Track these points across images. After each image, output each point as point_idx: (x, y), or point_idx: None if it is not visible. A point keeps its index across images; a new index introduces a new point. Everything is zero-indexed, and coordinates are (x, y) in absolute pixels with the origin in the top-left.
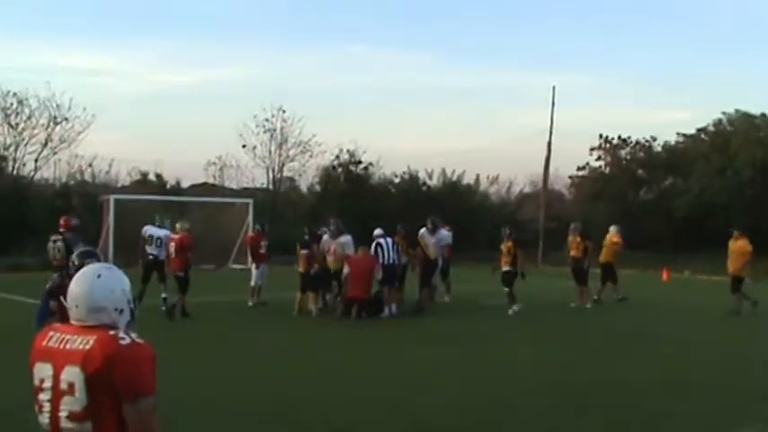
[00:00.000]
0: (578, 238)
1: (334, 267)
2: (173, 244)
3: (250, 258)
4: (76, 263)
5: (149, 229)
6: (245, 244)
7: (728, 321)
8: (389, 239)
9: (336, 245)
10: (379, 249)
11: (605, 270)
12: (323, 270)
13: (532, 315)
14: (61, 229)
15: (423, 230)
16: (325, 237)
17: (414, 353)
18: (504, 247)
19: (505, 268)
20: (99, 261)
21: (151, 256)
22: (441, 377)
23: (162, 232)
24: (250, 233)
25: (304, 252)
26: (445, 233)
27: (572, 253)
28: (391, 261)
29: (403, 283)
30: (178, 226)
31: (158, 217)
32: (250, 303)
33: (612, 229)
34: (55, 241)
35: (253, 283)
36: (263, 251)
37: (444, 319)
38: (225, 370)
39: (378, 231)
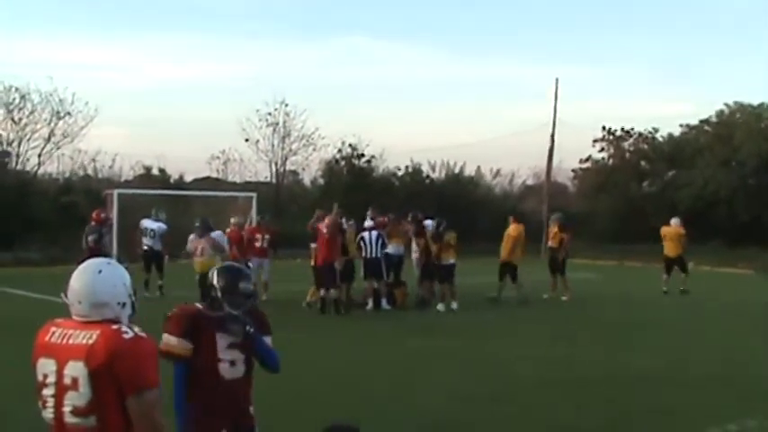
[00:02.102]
0: (556, 229)
1: (201, 269)
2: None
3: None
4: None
5: (145, 222)
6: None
7: (731, 314)
8: (374, 233)
9: (205, 243)
10: (362, 243)
11: (677, 262)
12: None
13: (534, 308)
14: (92, 222)
15: (429, 222)
16: (192, 236)
17: (413, 346)
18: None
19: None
20: None
21: (146, 248)
22: (445, 369)
23: (156, 225)
24: (248, 226)
25: (314, 246)
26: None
27: (549, 243)
28: (373, 255)
29: (399, 274)
30: (232, 221)
31: (154, 210)
32: (264, 297)
33: (674, 221)
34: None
35: (266, 276)
36: (258, 244)
37: (445, 311)
38: None
39: (368, 223)
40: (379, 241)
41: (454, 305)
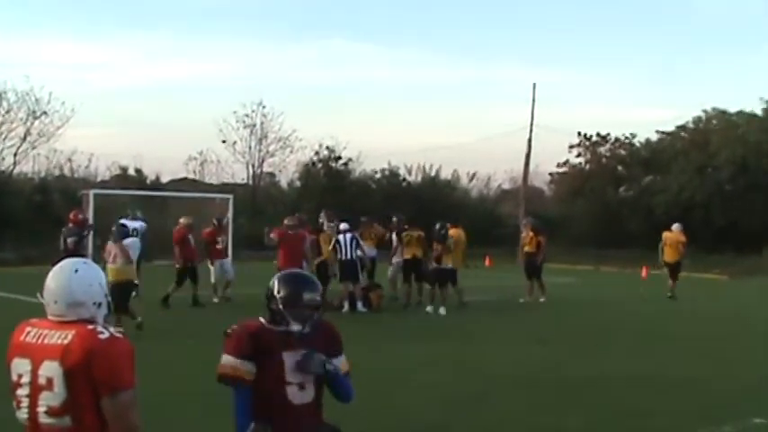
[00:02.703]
0: (531, 233)
1: (114, 277)
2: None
3: (208, 254)
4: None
5: (125, 222)
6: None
7: (708, 319)
8: (348, 235)
9: (118, 249)
10: (337, 245)
11: (674, 268)
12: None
13: (514, 311)
14: (70, 224)
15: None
16: (109, 242)
17: (397, 348)
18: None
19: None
20: None
21: None
22: (424, 373)
23: (138, 223)
24: (207, 228)
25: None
26: None
27: (525, 249)
28: (348, 257)
29: (373, 276)
30: (182, 221)
31: (130, 210)
32: (215, 300)
33: (676, 227)
34: (62, 232)
35: (213, 279)
36: (219, 246)
37: (420, 315)
38: (210, 367)
39: (343, 226)
40: (354, 243)
41: (442, 310)
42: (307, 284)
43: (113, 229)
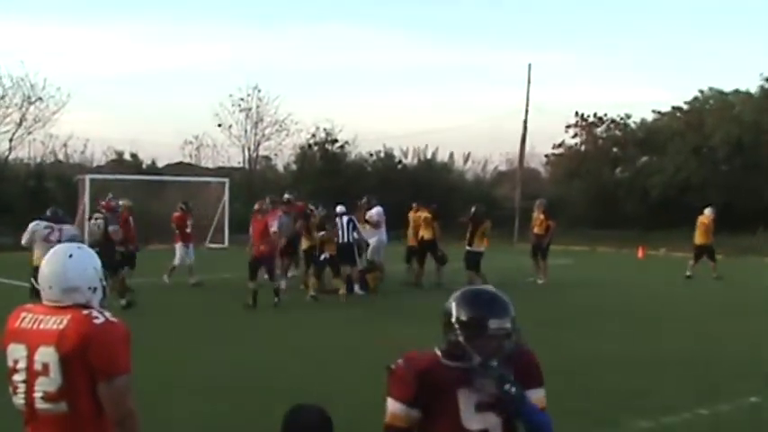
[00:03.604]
0: (542, 216)
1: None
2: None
3: (177, 238)
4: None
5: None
6: (220, 223)
7: (704, 299)
8: (345, 218)
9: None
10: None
11: (707, 250)
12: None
13: (510, 292)
14: (102, 210)
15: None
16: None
17: (395, 330)
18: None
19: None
20: None
21: None
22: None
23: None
24: (176, 212)
25: (321, 234)
26: None
27: (535, 230)
28: (345, 240)
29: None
30: (121, 202)
31: (110, 195)
32: (166, 280)
33: (708, 210)
34: (96, 219)
35: (177, 262)
36: (188, 230)
37: (424, 295)
38: (204, 350)
39: (339, 208)
40: (350, 225)
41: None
42: (494, 307)
43: (48, 213)
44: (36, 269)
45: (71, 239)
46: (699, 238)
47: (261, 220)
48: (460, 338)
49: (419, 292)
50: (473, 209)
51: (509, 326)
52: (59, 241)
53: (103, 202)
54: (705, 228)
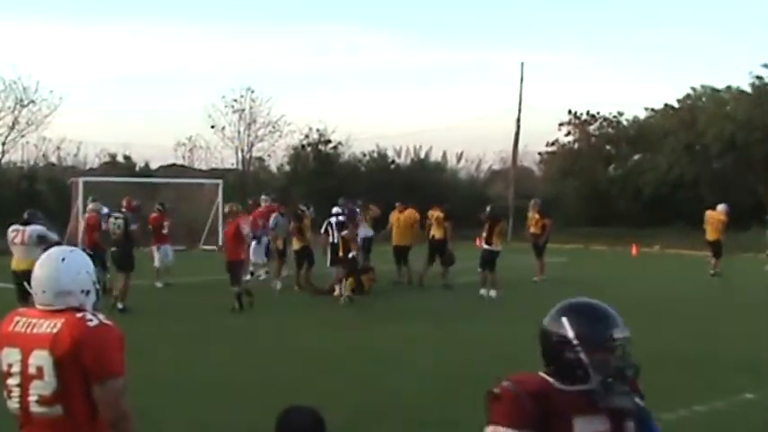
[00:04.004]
0: (537, 215)
1: (17, 266)
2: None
3: (153, 240)
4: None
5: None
6: (214, 225)
7: (698, 296)
8: (341, 218)
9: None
10: (330, 228)
11: (714, 246)
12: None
13: (505, 290)
14: (123, 209)
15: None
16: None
17: (388, 330)
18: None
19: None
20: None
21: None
22: (415, 353)
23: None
24: (153, 213)
25: (344, 233)
26: None
27: (531, 230)
28: (335, 240)
29: (368, 258)
30: (89, 207)
31: (90, 199)
32: (158, 285)
33: (721, 207)
34: (116, 218)
35: (158, 264)
36: (165, 231)
37: (420, 295)
38: (199, 352)
39: (335, 209)
40: (339, 226)
41: (493, 293)
42: (610, 316)
43: (25, 216)
44: (14, 273)
45: (38, 238)
46: (710, 234)
47: (231, 223)
48: (582, 356)
49: (410, 292)
50: (489, 208)
51: (629, 334)
52: (23, 243)
53: (124, 202)
54: (719, 224)
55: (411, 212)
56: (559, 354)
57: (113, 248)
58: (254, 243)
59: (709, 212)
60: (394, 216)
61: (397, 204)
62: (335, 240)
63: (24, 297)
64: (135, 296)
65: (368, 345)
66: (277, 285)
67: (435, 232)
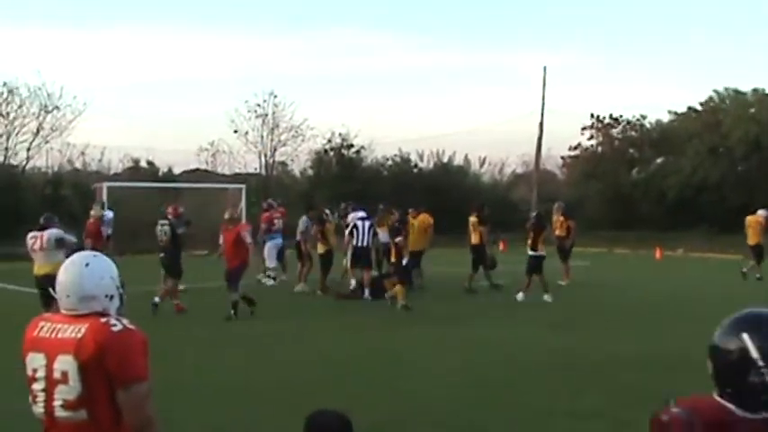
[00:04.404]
0: (561, 218)
1: (40, 271)
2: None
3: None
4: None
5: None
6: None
7: (723, 298)
8: (367, 222)
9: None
10: (355, 231)
11: (755, 250)
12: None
13: (532, 294)
14: (169, 216)
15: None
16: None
17: (409, 334)
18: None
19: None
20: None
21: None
22: (435, 358)
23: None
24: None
25: (398, 239)
26: None
27: (557, 233)
28: (364, 243)
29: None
30: (92, 212)
31: (95, 203)
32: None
33: (762, 211)
34: (163, 225)
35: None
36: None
37: (437, 300)
38: (221, 354)
39: (361, 213)
40: (371, 230)
41: (547, 297)
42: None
43: (41, 220)
44: (36, 279)
45: (56, 242)
46: (751, 239)
47: (232, 230)
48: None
49: (430, 295)
50: (534, 215)
51: None
52: (42, 248)
53: (170, 208)
54: (760, 227)
55: (425, 217)
56: (740, 376)
57: (161, 254)
58: (267, 245)
59: (749, 217)
60: (409, 222)
61: (410, 210)
62: (360, 243)
63: (48, 302)
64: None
65: (389, 348)
66: (302, 288)
67: (472, 237)
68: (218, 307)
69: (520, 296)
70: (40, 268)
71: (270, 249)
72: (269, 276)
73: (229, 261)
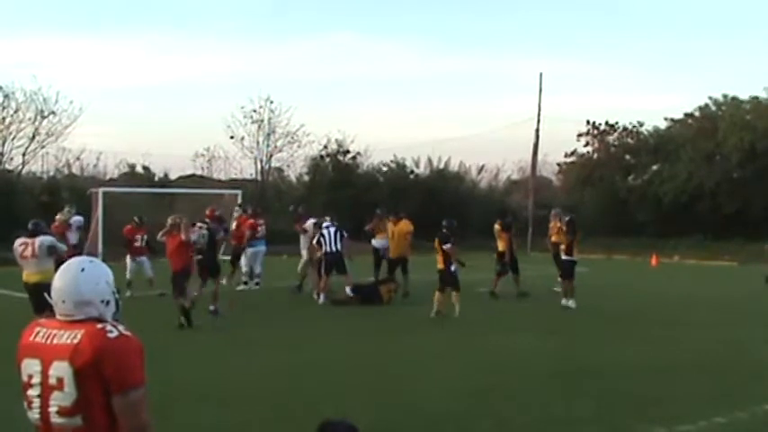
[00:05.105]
0: (558, 224)
1: (29, 279)
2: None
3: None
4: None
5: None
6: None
7: (718, 306)
8: (332, 229)
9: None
10: (322, 239)
11: None
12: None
13: (523, 302)
14: (206, 219)
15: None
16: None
17: (405, 341)
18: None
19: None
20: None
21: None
22: (432, 364)
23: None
24: (127, 226)
25: (447, 246)
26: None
27: (553, 239)
28: (333, 250)
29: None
30: (58, 217)
31: (67, 208)
32: (128, 294)
33: None
34: (201, 227)
35: (128, 276)
36: (137, 244)
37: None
38: (217, 360)
39: (326, 223)
40: (337, 235)
41: (572, 303)
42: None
43: (29, 227)
44: (26, 286)
45: (48, 249)
46: None
47: (176, 236)
48: None
49: (428, 303)
50: (568, 219)
51: None
52: (33, 255)
53: (208, 212)
54: None
55: (405, 224)
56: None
57: (199, 256)
58: (249, 251)
59: None
60: (389, 228)
61: (390, 217)
62: (329, 249)
63: (40, 309)
64: (152, 306)
65: (385, 354)
66: (320, 299)
67: (499, 244)
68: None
69: (571, 303)
70: (29, 276)
71: (253, 256)
72: (256, 283)
73: (173, 265)
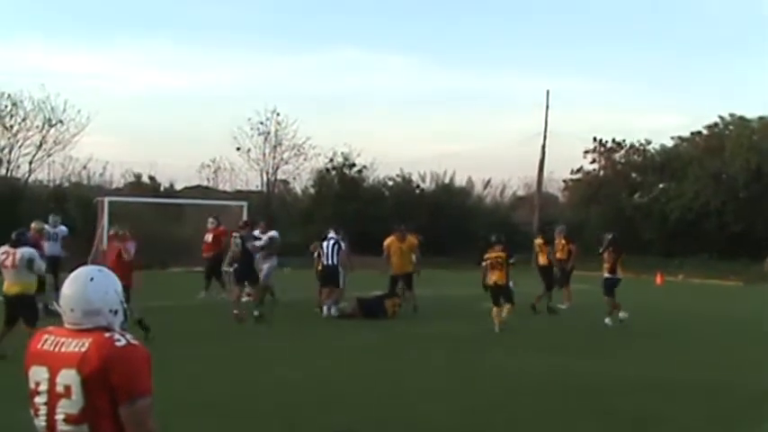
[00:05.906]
0: (563, 241)
1: (8, 290)
2: None
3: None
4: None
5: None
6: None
7: (721, 325)
8: (331, 242)
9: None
10: (320, 251)
11: None
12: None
13: (527, 318)
14: (239, 229)
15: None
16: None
17: (407, 356)
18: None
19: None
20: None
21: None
22: (433, 381)
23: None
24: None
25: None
26: None
27: (557, 255)
28: (329, 262)
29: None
30: (33, 225)
31: (51, 216)
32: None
33: None
34: (235, 237)
35: None
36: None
37: (441, 321)
38: (221, 372)
39: (331, 234)
40: (335, 249)
41: (623, 314)
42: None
43: (12, 236)
44: (6, 297)
45: (28, 262)
46: None
47: (116, 247)
48: None
49: (431, 317)
50: (610, 237)
51: None
52: (13, 266)
53: (241, 222)
54: None
55: (411, 239)
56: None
57: (234, 265)
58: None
59: None
60: (393, 245)
61: (396, 233)
62: (325, 262)
63: (11, 321)
64: (156, 315)
65: (386, 370)
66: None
67: (540, 258)
68: (219, 323)
69: (622, 314)
70: (9, 287)
71: (269, 271)
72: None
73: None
